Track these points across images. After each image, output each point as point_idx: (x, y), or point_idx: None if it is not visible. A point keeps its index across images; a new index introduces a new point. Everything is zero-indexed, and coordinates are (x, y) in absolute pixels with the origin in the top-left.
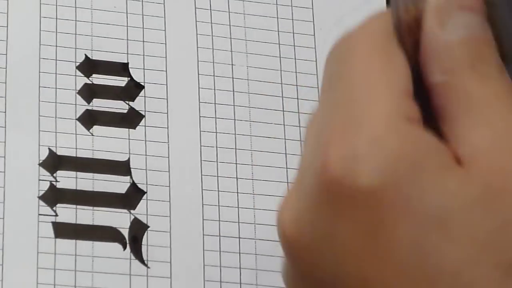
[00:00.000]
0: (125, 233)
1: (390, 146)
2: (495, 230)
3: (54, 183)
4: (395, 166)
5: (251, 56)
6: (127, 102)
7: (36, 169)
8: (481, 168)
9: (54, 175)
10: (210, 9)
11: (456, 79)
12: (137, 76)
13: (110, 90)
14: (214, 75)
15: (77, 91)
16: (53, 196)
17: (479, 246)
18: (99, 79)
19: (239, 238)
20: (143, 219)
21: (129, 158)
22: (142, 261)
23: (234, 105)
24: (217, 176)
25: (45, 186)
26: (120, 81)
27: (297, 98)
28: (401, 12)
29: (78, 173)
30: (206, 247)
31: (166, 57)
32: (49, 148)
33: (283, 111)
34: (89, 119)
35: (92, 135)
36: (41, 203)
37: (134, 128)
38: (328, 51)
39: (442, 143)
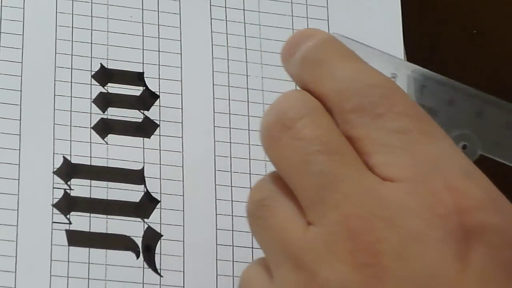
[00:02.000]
0: (139, 241)
1: None
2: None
3: (68, 191)
4: None
5: (266, 67)
6: (142, 111)
7: (50, 177)
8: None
9: (68, 183)
10: (226, 20)
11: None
12: (152, 85)
13: (125, 99)
14: (229, 86)
15: (92, 100)
16: (67, 204)
17: None
18: (114, 88)
19: (252, 248)
20: (156, 228)
21: (143, 167)
22: (155, 270)
23: (248, 116)
24: (231, 186)
25: (59, 194)
26: (135, 90)
27: None
28: None
29: (92, 181)
30: (219, 257)
31: (181, 67)
32: (63, 156)
33: None
34: (104, 128)
35: (107, 144)
36: (55, 211)
37: (149, 137)
38: None
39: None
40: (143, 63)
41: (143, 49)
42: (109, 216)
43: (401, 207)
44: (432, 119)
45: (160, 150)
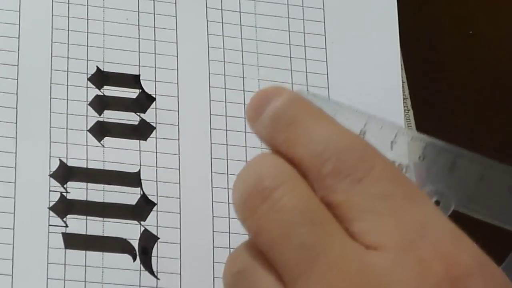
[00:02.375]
0: (135, 244)
1: None
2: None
3: (64, 194)
4: None
5: (262, 69)
6: (138, 114)
7: (47, 180)
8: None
9: (65, 186)
10: (222, 22)
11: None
12: (148, 88)
13: (121, 102)
14: (225, 88)
15: (88, 102)
16: (64, 207)
17: None
18: (110, 90)
19: None
20: (153, 230)
21: (139, 170)
22: (152, 272)
23: (245, 118)
24: (227, 188)
25: (56, 197)
26: (132, 93)
27: None
28: None
29: (88, 184)
30: (216, 259)
31: (177, 69)
32: (59, 159)
33: None
34: (100, 131)
35: (103, 147)
36: (52, 214)
37: (145, 140)
38: None
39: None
40: (139, 65)
41: (139, 52)
42: (105, 219)
43: (389, 277)
44: (413, 182)
45: (156, 152)
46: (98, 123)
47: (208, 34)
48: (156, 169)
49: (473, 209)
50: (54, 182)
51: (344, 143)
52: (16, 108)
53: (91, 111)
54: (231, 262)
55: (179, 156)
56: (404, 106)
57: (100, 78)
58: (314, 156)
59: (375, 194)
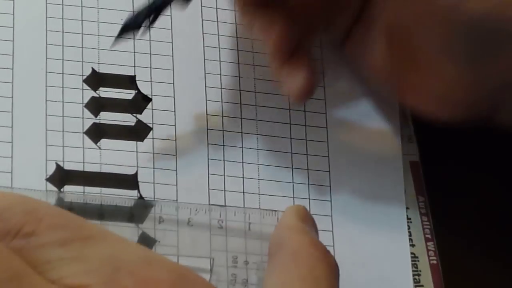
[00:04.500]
0: None
1: None
2: None
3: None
4: None
5: (258, 68)
6: (134, 115)
7: (43, 184)
8: None
9: (62, 189)
10: (217, 21)
11: None
12: (144, 88)
13: (118, 103)
14: (221, 88)
15: (84, 104)
16: None
17: None
18: (106, 92)
19: (246, 253)
20: (151, 233)
21: (136, 172)
22: None
23: (241, 118)
24: (224, 190)
25: (53, 201)
26: (128, 94)
27: (304, 111)
28: None
29: (85, 187)
30: None
31: (173, 69)
32: (56, 163)
33: (290, 124)
34: (97, 133)
35: (100, 149)
36: None
37: (142, 141)
38: None
39: None
40: (134, 66)
41: (134, 52)
42: (102, 222)
43: None
44: (88, 222)
45: (153, 153)
46: (94, 125)
47: (203, 33)
48: (153, 171)
49: None
50: (50, 186)
51: (3, 203)
52: (12, 111)
53: (87, 113)
54: None
55: (176, 157)
56: None
57: (96, 79)
58: None
59: (53, 242)
